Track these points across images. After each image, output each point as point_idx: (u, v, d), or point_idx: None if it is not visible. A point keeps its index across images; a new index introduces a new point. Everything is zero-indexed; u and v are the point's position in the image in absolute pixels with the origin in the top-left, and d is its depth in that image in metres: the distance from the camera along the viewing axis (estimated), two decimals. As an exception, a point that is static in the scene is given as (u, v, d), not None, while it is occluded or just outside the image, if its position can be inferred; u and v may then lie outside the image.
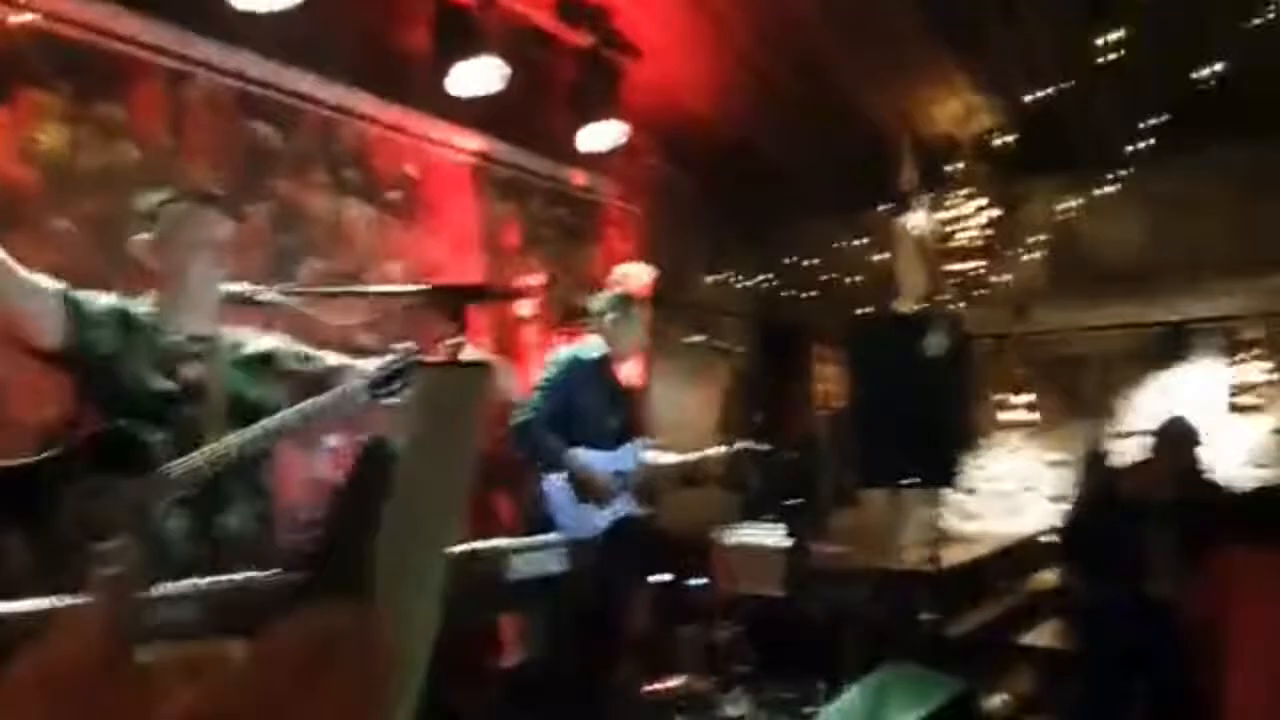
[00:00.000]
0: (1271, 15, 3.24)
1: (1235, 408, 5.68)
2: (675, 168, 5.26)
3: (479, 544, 2.71)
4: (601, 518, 3.30)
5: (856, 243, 5.42)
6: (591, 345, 3.48)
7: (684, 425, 4.97)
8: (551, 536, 2.96)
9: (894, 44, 4.08)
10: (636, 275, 4.56)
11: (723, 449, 3.86)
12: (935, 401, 3.86)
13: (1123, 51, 3.57)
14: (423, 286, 1.76)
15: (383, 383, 1.89)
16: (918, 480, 4.03)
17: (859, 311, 5.55)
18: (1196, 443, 4.01)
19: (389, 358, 1.92)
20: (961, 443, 4.61)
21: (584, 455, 3.28)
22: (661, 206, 5.19)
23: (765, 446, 3.98)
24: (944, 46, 4.05)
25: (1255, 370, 5.53)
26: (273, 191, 3.22)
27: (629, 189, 4.93)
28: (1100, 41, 3.64)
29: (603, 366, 3.43)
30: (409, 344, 1.94)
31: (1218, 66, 3.51)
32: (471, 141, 3.96)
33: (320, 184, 3.37)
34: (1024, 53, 4.01)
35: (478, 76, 3.43)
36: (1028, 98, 4.21)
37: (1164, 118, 3.84)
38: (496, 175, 4.13)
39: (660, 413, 4.69)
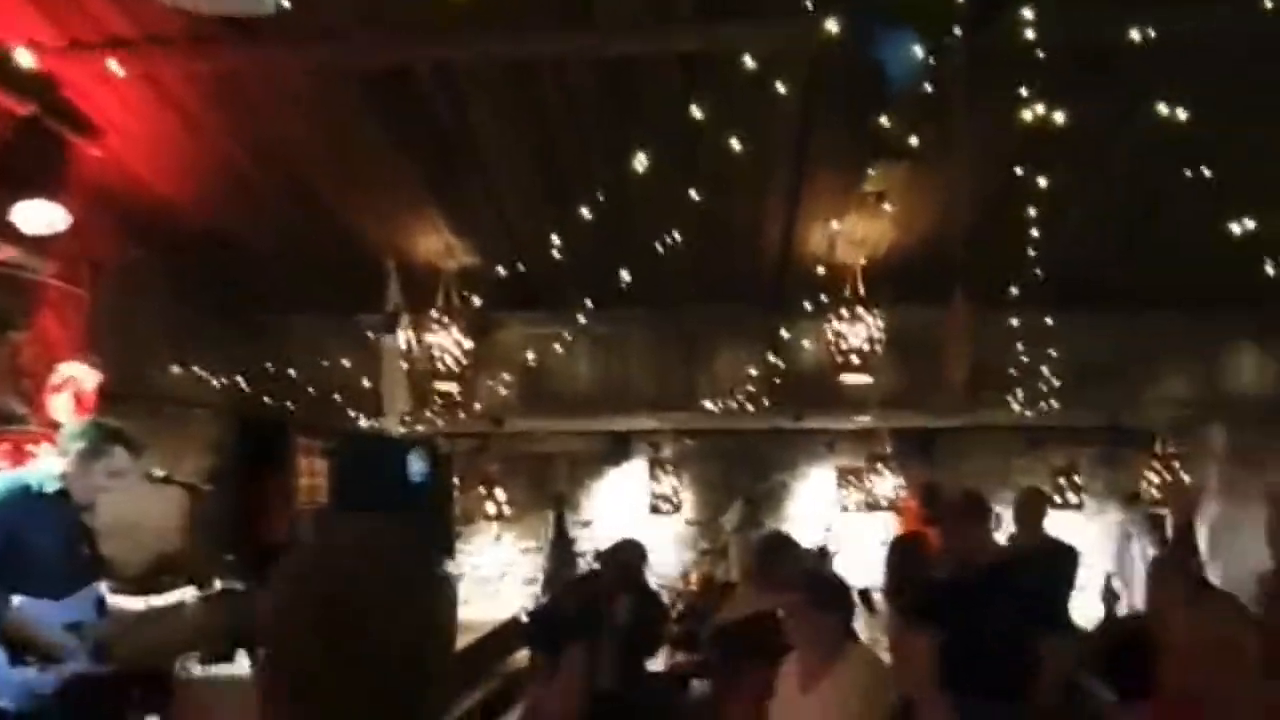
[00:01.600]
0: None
1: (656, 509, 7.13)
2: (137, 250, 4.80)
3: None
4: (45, 681, 2.81)
5: (345, 361, 5.55)
6: (44, 472, 3.00)
7: (139, 547, 4.49)
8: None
9: (379, 173, 4.38)
10: (83, 377, 4.03)
11: (197, 592, 3.57)
12: (415, 518, 4.10)
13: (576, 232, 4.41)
14: None
15: None
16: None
17: (343, 429, 5.69)
18: (644, 560, 4.93)
19: None
20: (441, 557, 4.95)
21: (30, 607, 2.78)
22: (117, 290, 4.66)
23: (241, 585, 3.78)
24: (425, 188, 4.48)
25: (669, 483, 7.04)
26: None
27: (73, 268, 4.33)
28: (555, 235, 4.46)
29: (59, 500, 2.96)
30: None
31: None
32: None
33: None
34: (496, 213, 4.66)
35: None
36: (499, 250, 4.88)
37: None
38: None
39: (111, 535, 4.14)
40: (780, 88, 3.47)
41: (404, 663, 0.79)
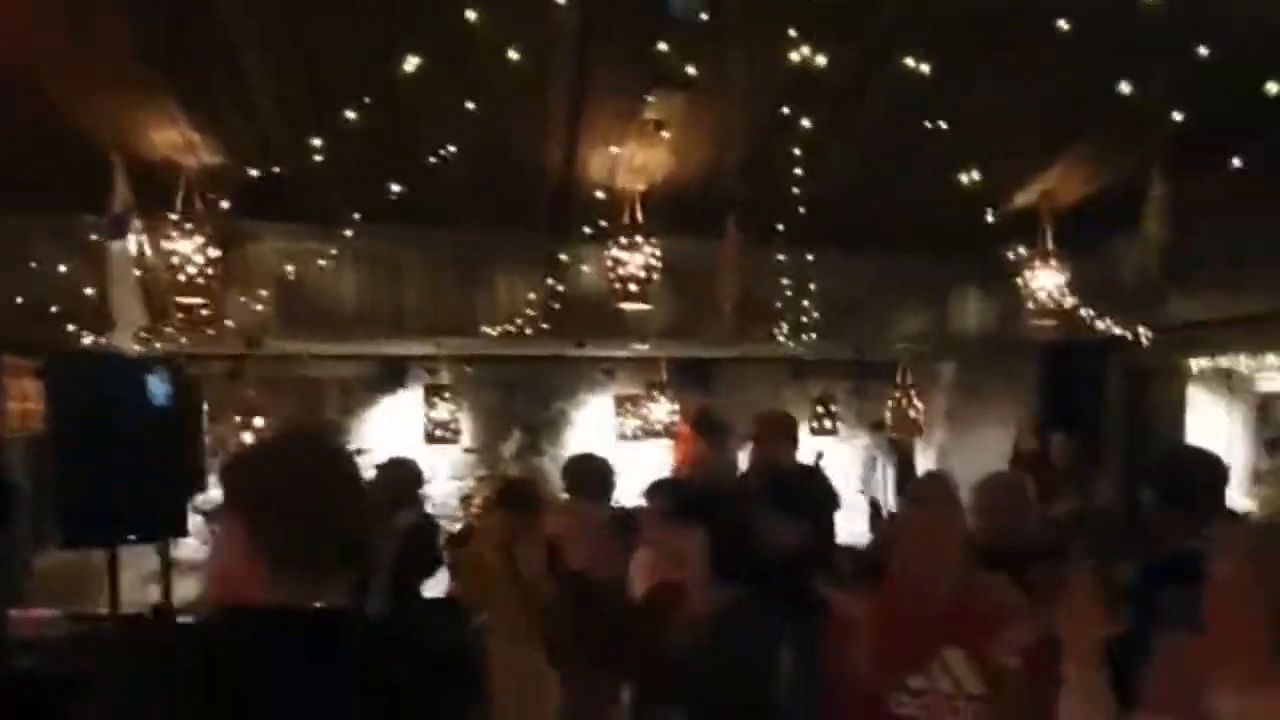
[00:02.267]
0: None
1: (432, 438, 7.05)
2: None
3: None
4: None
5: (61, 266, 4.92)
6: None
7: None
8: None
9: (99, 50, 3.85)
10: None
11: None
12: (157, 450, 3.76)
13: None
14: None
15: None
16: (138, 537, 3.90)
17: (62, 345, 5.05)
18: (419, 480, 4.86)
19: None
20: (189, 489, 4.60)
21: None
22: None
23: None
24: (157, 71, 4.00)
25: (447, 410, 6.97)
26: None
27: None
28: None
29: None
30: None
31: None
32: None
33: None
34: (245, 108, 4.27)
35: None
36: (249, 150, 4.49)
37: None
38: None
39: None
40: (559, 0, 3.44)
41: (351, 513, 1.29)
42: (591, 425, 8.48)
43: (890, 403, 7.73)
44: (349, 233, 5.13)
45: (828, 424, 8.44)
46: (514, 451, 8.08)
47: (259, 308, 5.51)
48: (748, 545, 2.70)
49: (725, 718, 2.39)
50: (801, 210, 4.98)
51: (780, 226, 5.33)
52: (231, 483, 1.30)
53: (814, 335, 6.31)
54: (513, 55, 3.73)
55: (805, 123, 4.24)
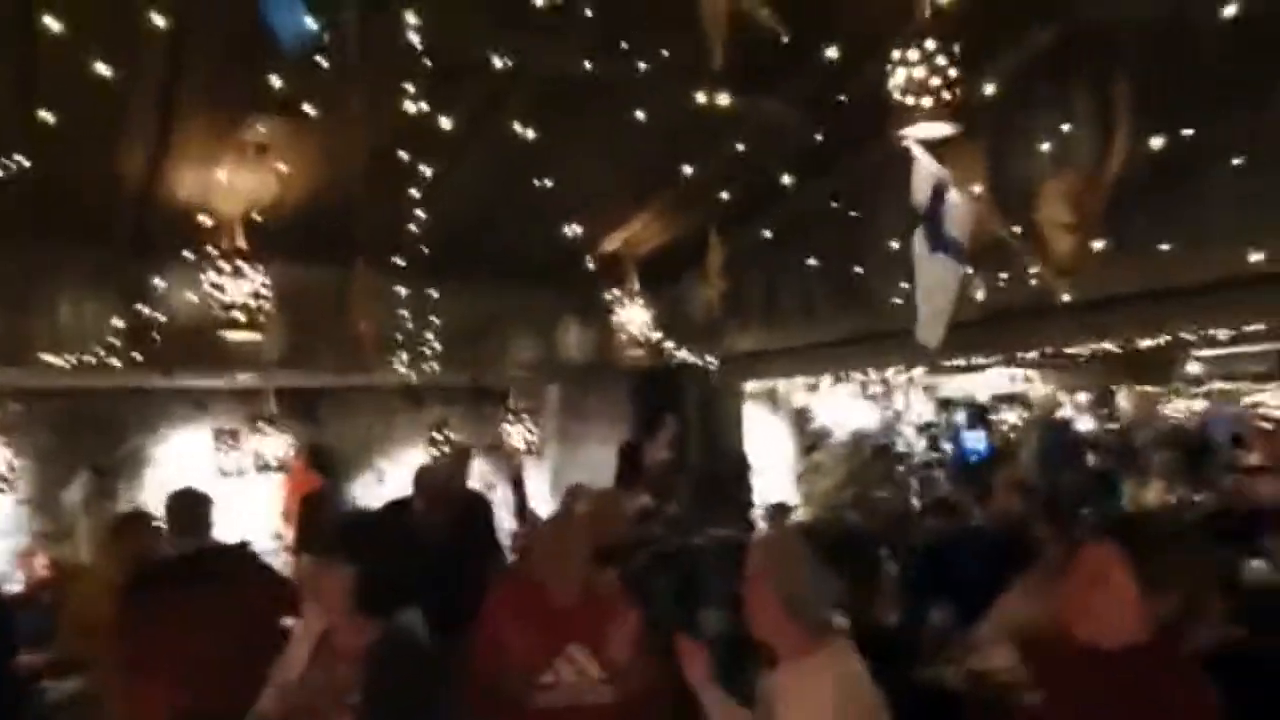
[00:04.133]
0: None
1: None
2: None
3: None
4: None
5: None
6: None
7: None
8: None
9: None
10: None
11: None
12: None
13: None
14: None
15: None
16: None
17: None
18: None
19: None
20: None
21: None
22: None
23: None
24: None
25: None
26: None
27: None
28: None
29: None
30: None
31: None
32: None
33: None
34: None
35: None
36: None
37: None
38: None
39: None
40: (157, 20, 3.28)
41: None
42: (184, 462, 7.74)
43: (503, 426, 8.23)
44: None
45: (445, 449, 8.68)
46: (81, 497, 7.08)
47: None
48: (397, 578, 2.75)
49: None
50: (422, 248, 5.21)
51: (400, 261, 5.50)
52: None
53: (434, 365, 6.54)
54: (93, 67, 3.45)
55: (422, 168, 4.48)
